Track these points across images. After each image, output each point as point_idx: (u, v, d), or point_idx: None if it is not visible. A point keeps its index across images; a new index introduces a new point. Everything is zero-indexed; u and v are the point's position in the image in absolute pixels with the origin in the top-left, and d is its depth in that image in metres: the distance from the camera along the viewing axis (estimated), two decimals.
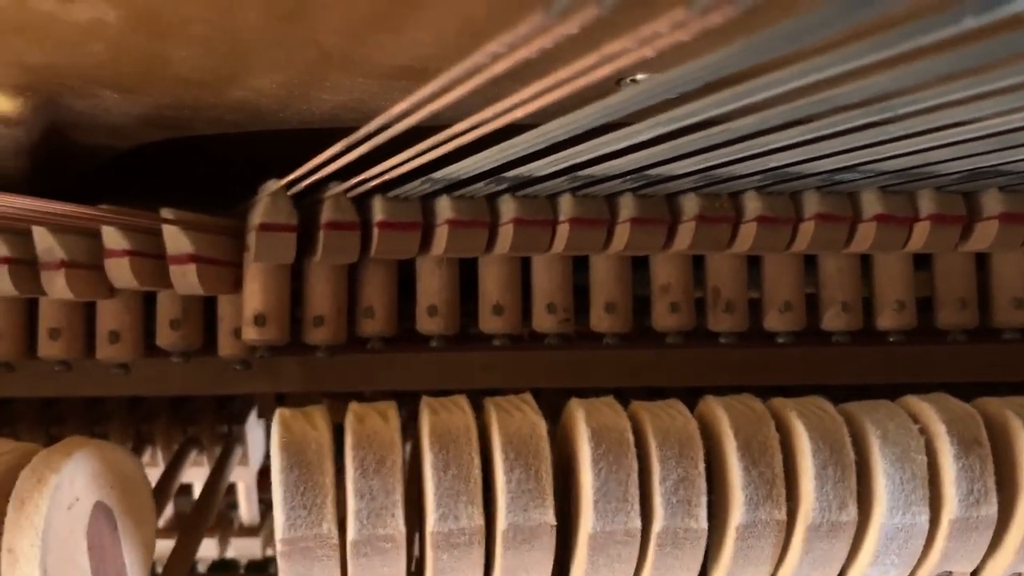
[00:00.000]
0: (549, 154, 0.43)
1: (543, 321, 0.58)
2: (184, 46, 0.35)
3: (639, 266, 0.60)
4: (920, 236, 0.55)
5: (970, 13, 0.23)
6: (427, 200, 0.55)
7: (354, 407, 0.47)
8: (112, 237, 0.53)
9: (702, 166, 0.45)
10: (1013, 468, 0.46)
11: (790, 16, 0.25)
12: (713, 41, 0.27)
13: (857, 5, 0.24)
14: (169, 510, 0.83)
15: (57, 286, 0.54)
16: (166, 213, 0.53)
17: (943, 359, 0.60)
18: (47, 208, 0.48)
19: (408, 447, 0.47)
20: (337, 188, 0.53)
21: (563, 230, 0.55)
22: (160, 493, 0.63)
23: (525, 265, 0.59)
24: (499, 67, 0.28)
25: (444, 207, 0.54)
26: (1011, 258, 0.59)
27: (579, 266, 0.59)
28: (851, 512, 0.45)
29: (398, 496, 0.44)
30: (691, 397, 0.50)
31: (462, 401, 0.47)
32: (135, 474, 0.50)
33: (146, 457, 0.78)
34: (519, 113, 0.34)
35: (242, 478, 0.82)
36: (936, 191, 0.55)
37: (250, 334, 0.55)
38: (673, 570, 0.45)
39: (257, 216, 0.53)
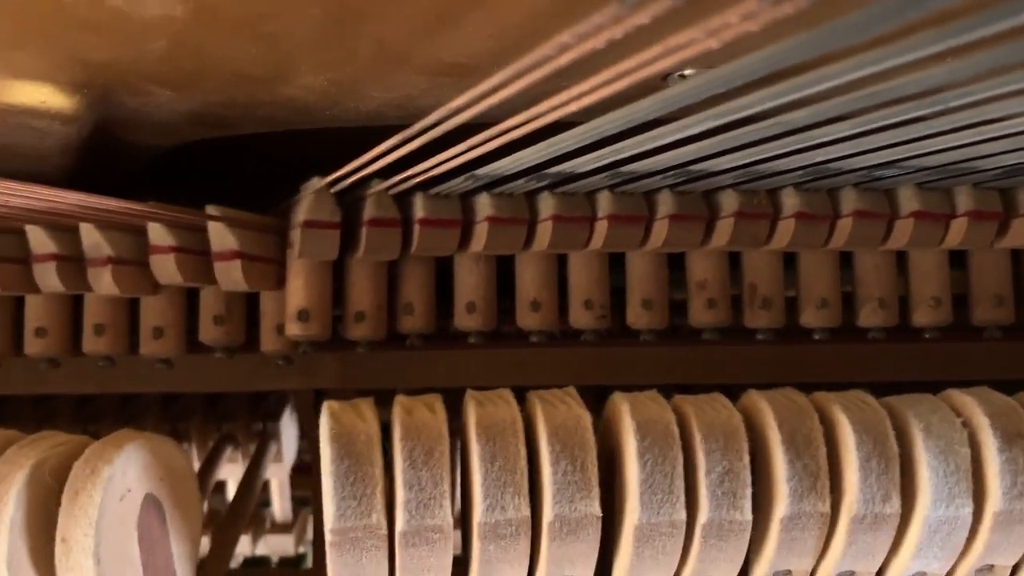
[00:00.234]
0: (594, 150, 0.44)
1: (580, 317, 0.59)
2: (248, 42, 0.36)
3: (674, 264, 0.60)
4: (957, 233, 0.56)
5: None
6: (466, 197, 0.56)
7: (401, 399, 0.47)
8: (158, 233, 0.54)
9: (746, 161, 0.46)
10: None
11: (855, 8, 0.25)
12: (767, 34, 0.27)
13: None
14: (203, 507, 0.84)
15: (104, 282, 0.54)
16: (212, 210, 0.54)
17: (979, 356, 0.60)
18: (97, 204, 0.49)
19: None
20: (380, 185, 0.53)
21: (601, 227, 0.55)
22: None
23: (561, 262, 0.59)
24: (564, 59, 0.29)
25: (484, 204, 0.55)
26: None
27: (613, 265, 0.60)
28: (895, 504, 0.45)
29: (446, 487, 0.44)
30: (727, 394, 0.50)
31: (507, 394, 0.48)
32: (183, 468, 0.51)
33: None
34: (573, 107, 0.34)
35: (275, 475, 0.83)
36: (973, 188, 0.55)
37: (293, 330, 0.56)
38: (717, 562, 0.46)
39: (302, 213, 0.54)
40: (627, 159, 0.45)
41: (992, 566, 0.48)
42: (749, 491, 0.45)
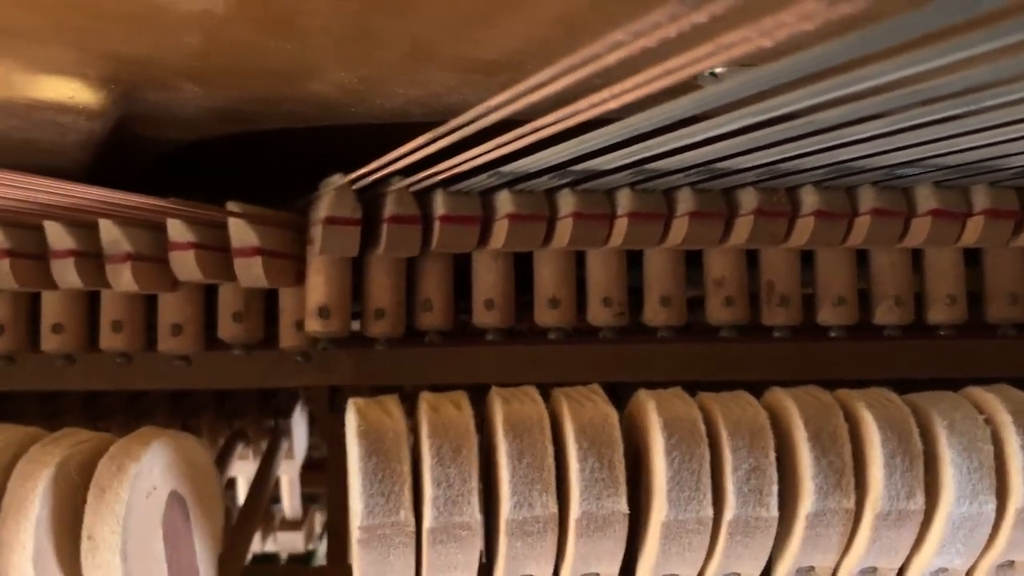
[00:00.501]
0: (623, 147, 0.44)
1: (598, 315, 0.59)
2: (285, 38, 0.36)
3: (691, 261, 0.60)
4: (973, 231, 0.56)
5: None
6: (486, 195, 0.56)
7: (427, 396, 0.47)
8: (177, 230, 0.54)
9: (772, 159, 0.46)
10: None
11: (902, 8, 0.25)
12: (813, 33, 0.27)
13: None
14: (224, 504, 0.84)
15: (123, 279, 0.54)
16: (232, 206, 0.54)
17: (993, 353, 0.60)
18: (118, 199, 0.49)
19: None
20: (401, 183, 0.53)
21: (621, 224, 0.55)
22: None
23: (579, 259, 0.60)
24: (613, 57, 0.29)
25: (504, 201, 0.55)
26: None
27: (630, 263, 0.60)
28: (919, 501, 0.45)
29: (474, 484, 0.44)
30: (745, 390, 0.50)
31: (532, 391, 0.48)
32: (206, 465, 0.51)
33: None
34: (612, 104, 0.34)
35: (286, 472, 0.83)
36: (989, 186, 0.56)
37: (313, 326, 0.56)
38: (743, 558, 0.46)
39: (323, 209, 0.53)
40: (654, 157, 0.45)
41: (1013, 562, 0.48)
42: (775, 488, 0.45)
